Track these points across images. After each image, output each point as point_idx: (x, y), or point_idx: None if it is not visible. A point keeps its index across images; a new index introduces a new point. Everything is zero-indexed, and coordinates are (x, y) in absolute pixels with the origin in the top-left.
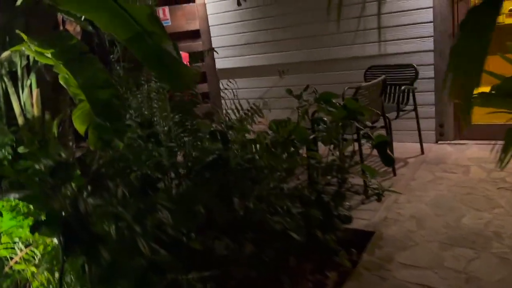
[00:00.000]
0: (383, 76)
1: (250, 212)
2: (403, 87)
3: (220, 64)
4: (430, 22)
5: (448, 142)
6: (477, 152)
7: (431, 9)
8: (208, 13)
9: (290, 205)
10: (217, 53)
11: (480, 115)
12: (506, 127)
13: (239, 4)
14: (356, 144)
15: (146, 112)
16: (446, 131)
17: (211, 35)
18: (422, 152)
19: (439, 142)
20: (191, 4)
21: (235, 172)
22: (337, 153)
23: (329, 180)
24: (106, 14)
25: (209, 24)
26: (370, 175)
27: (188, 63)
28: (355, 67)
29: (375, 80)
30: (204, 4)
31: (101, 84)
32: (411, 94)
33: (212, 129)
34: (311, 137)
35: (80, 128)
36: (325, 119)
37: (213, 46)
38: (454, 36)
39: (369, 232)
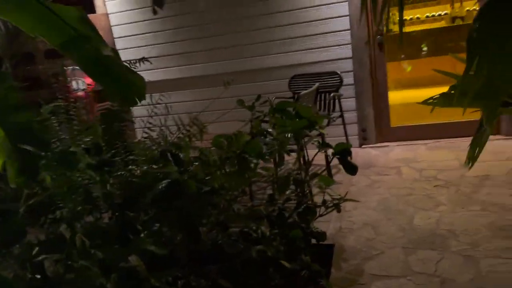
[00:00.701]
0: (317, 84)
1: (221, 242)
2: (332, 94)
3: None
4: (348, 29)
5: (372, 145)
6: (402, 153)
7: (348, 17)
8: (111, 24)
9: (264, 228)
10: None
11: (398, 118)
12: (424, 127)
13: (155, 13)
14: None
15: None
16: (369, 135)
17: (116, 47)
18: (350, 157)
19: (363, 146)
20: (92, 14)
21: (195, 197)
22: (290, 165)
23: (289, 195)
24: (31, 16)
25: (113, 36)
26: (326, 184)
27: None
28: (278, 76)
29: (311, 88)
30: (107, 14)
31: (15, 106)
32: (336, 100)
33: (160, 149)
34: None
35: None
36: (270, 130)
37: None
38: (370, 43)
39: (329, 245)
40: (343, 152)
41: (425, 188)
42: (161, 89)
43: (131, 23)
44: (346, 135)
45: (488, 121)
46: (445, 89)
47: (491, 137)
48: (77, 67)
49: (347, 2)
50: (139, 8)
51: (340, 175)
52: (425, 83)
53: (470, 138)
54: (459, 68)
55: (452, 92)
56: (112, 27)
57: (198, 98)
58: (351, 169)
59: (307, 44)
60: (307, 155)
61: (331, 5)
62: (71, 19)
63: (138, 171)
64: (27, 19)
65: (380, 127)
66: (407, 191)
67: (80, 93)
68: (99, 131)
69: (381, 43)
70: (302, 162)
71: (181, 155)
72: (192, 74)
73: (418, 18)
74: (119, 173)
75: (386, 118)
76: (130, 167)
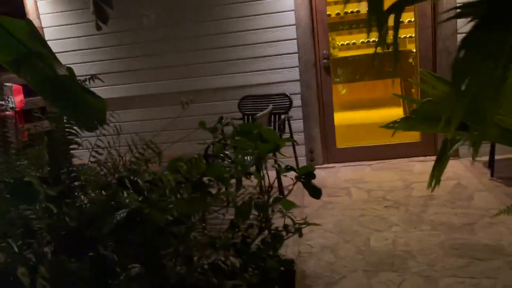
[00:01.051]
0: (271, 106)
1: (190, 277)
2: (283, 116)
3: None
4: (295, 53)
5: (319, 166)
6: (349, 174)
7: (295, 40)
8: (46, 39)
9: (233, 259)
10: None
11: (343, 139)
12: (367, 149)
13: (98, 28)
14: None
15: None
16: (316, 156)
17: None
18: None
19: None
20: None
21: (159, 228)
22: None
23: (251, 221)
24: None
25: None
26: (287, 208)
27: (22, 98)
28: (227, 97)
29: (266, 110)
30: (41, 28)
31: None
32: (286, 122)
33: (117, 175)
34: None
35: None
36: (228, 153)
37: None
38: (318, 66)
39: (290, 271)
40: (307, 175)
41: (376, 209)
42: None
43: (63, 39)
44: (295, 156)
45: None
46: (384, 110)
47: (428, 157)
48: (8, 84)
49: (294, 26)
50: (79, 23)
51: (292, 197)
52: (364, 105)
53: (410, 159)
54: (393, 90)
55: (413, 116)
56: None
57: (147, 117)
58: (316, 192)
59: (257, 66)
60: (269, 178)
61: (279, 28)
62: (20, 34)
63: (86, 200)
64: None
65: (327, 148)
66: (359, 212)
67: (8, 112)
68: (45, 156)
69: (327, 67)
70: (263, 185)
71: (140, 182)
72: (139, 93)
73: (354, 43)
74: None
75: (332, 139)
76: (78, 194)
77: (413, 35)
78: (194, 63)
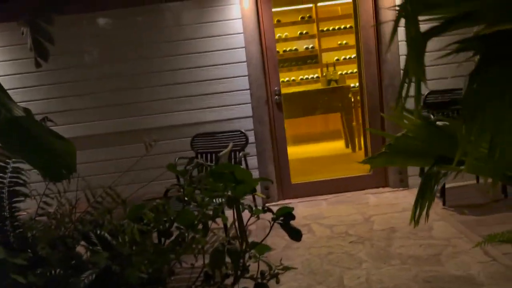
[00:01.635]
0: (231, 144)
1: None
2: (240, 154)
3: None
4: (247, 89)
5: (275, 203)
6: (307, 210)
7: (247, 77)
8: None
9: None
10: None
11: (297, 174)
12: (320, 183)
13: (38, 66)
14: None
15: None
16: (272, 193)
17: None
18: (258, 217)
19: (266, 204)
20: None
21: None
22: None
23: (226, 270)
24: None
25: None
26: (260, 253)
27: None
28: (179, 135)
29: (227, 148)
30: None
31: None
32: (243, 159)
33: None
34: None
35: None
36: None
37: None
38: (270, 102)
39: None
40: (285, 217)
41: (341, 245)
42: None
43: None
44: (253, 194)
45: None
46: (328, 144)
47: (381, 189)
48: None
49: (245, 63)
50: (15, 60)
51: (253, 238)
52: (309, 139)
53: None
54: (333, 125)
55: (387, 151)
56: None
57: (93, 159)
58: (295, 234)
59: (209, 103)
60: (242, 221)
61: (231, 64)
62: None
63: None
64: None
65: (282, 184)
66: (326, 250)
67: None
68: None
69: (279, 103)
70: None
71: (108, 237)
72: (84, 133)
73: (294, 79)
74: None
75: (287, 175)
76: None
77: (355, 71)
78: (143, 101)
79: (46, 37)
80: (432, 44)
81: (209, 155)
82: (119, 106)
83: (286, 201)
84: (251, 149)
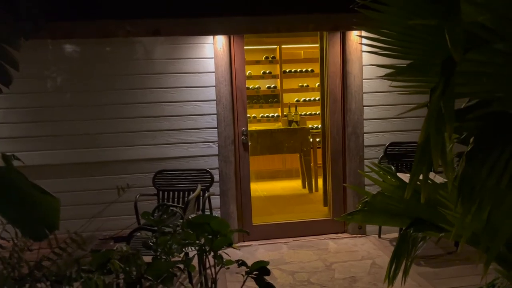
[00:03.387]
0: (199, 186)
1: None
2: (206, 194)
3: None
4: (215, 127)
5: (237, 245)
6: (267, 254)
7: (215, 115)
8: None
9: None
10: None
11: (258, 215)
12: (281, 226)
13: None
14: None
15: None
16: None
17: None
18: (228, 267)
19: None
20: None
21: None
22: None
23: None
24: None
25: None
26: None
27: None
28: (139, 170)
29: (196, 191)
30: None
31: None
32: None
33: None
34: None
35: None
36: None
37: None
38: (237, 141)
39: None
40: (260, 271)
41: None
42: None
43: None
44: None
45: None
46: (286, 182)
47: (340, 235)
48: None
49: (215, 101)
50: None
51: (219, 285)
52: (266, 176)
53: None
54: (291, 164)
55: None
56: None
57: (50, 189)
58: None
59: (174, 138)
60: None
61: (200, 102)
62: None
63: None
64: None
65: (243, 226)
66: None
67: None
68: None
69: (245, 143)
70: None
71: None
72: (41, 162)
73: (254, 116)
74: None
75: (249, 215)
76: None
77: (314, 112)
78: (106, 132)
79: (11, 62)
80: (401, 98)
81: (171, 193)
82: (79, 136)
83: (247, 243)
84: (214, 188)
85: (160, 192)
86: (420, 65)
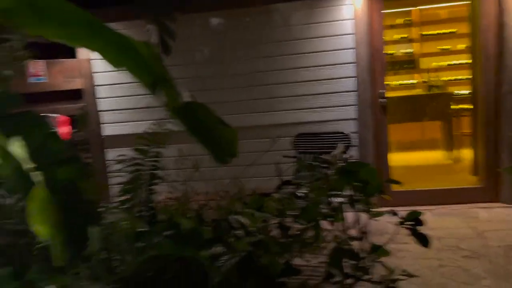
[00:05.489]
0: (340, 145)
1: None
2: (344, 156)
3: (108, 130)
4: (354, 91)
5: (374, 210)
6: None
7: (354, 78)
8: (93, 71)
9: None
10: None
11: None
12: (424, 193)
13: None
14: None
15: None
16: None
17: (97, 96)
18: (358, 223)
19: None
20: (72, 59)
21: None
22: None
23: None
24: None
25: (95, 84)
26: (379, 255)
27: (69, 129)
28: (279, 134)
29: (339, 149)
30: (89, 60)
31: (57, 157)
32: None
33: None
34: None
35: (42, 230)
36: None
37: (100, 109)
38: (375, 105)
39: None
40: (414, 221)
41: (454, 259)
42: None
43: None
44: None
45: None
46: (426, 153)
47: (491, 204)
48: (54, 115)
49: (354, 64)
50: None
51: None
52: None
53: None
54: (431, 134)
55: None
56: (95, 74)
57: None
58: (424, 240)
59: (311, 103)
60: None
61: (338, 65)
62: (147, 57)
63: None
64: (111, 51)
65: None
66: (436, 262)
67: None
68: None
69: (384, 106)
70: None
71: (243, 220)
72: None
73: (388, 85)
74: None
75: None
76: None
77: (458, 78)
78: (246, 100)
79: (170, 34)
80: None
81: (311, 156)
82: (223, 103)
83: (385, 208)
84: (352, 152)
85: (301, 155)
86: None
